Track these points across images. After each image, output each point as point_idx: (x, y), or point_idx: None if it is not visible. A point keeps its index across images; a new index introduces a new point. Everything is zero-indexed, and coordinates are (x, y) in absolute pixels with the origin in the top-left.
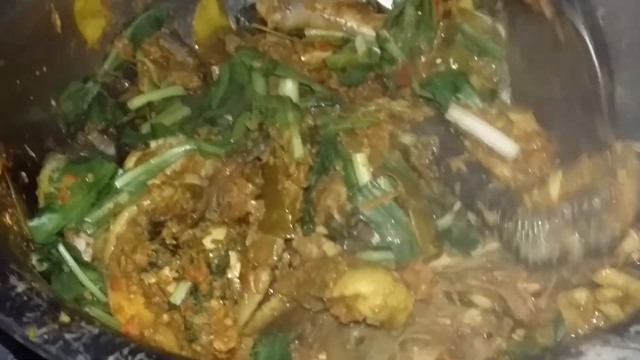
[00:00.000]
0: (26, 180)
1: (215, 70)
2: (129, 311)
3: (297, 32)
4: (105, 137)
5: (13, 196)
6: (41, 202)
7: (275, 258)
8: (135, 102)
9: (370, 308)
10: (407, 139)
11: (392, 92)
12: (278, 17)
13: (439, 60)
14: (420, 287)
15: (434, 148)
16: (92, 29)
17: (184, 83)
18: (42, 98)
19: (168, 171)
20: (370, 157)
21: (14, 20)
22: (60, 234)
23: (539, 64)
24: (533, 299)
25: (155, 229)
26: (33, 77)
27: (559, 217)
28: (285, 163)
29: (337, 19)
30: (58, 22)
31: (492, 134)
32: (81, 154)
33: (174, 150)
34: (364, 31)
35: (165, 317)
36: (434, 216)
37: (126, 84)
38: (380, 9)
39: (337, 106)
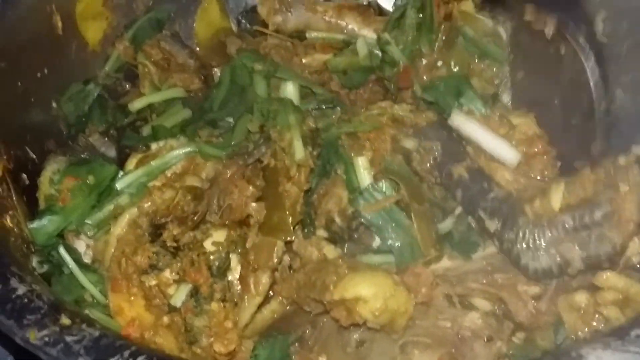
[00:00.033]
0: (27, 182)
1: (217, 72)
2: (130, 313)
3: (298, 35)
4: (106, 139)
5: (14, 198)
6: (42, 204)
7: (276, 260)
8: (136, 104)
9: (370, 311)
10: (409, 143)
11: (394, 95)
12: (279, 19)
13: (440, 63)
14: (421, 290)
15: (436, 153)
16: (93, 31)
17: (184, 85)
18: (43, 100)
19: (169, 173)
20: (371, 161)
21: (16, 22)
22: (61, 236)
23: (541, 72)
24: (533, 302)
25: (156, 231)
26: (34, 78)
27: (560, 228)
28: (286, 165)
29: (338, 21)
30: (59, 24)
31: (494, 141)
32: (82, 155)
33: (175, 153)
34: (365, 34)
35: (166, 319)
36: (435, 220)
37: (127, 86)
38: (381, 11)
39: (338, 109)
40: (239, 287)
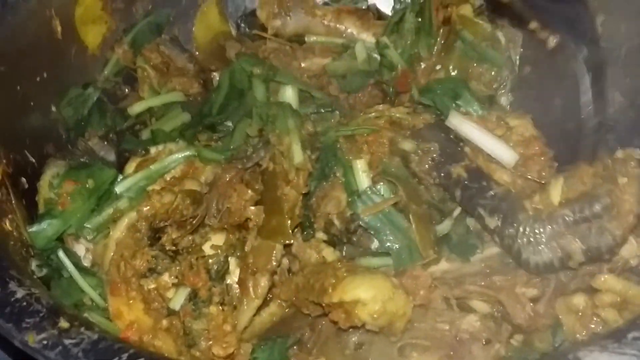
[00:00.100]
0: (26, 186)
1: (215, 76)
2: (128, 317)
3: (297, 39)
4: (106, 143)
5: (13, 202)
6: (41, 208)
7: (274, 264)
8: (136, 108)
9: (369, 314)
10: (407, 145)
11: (392, 98)
12: (278, 23)
13: (438, 67)
14: (419, 293)
15: (434, 154)
16: (92, 35)
17: (184, 89)
18: (42, 104)
19: (168, 177)
20: (369, 163)
21: (15, 26)
22: (60, 240)
23: (542, 77)
24: (531, 304)
25: (155, 234)
26: (33, 83)
27: (560, 222)
28: (285, 169)
29: (337, 25)
30: (59, 29)
31: (491, 142)
32: (81, 160)
33: (174, 156)
34: (364, 38)
35: (165, 322)
36: (433, 222)
37: (126, 90)
38: (380, 15)
39: (337, 113)
40: (238, 290)
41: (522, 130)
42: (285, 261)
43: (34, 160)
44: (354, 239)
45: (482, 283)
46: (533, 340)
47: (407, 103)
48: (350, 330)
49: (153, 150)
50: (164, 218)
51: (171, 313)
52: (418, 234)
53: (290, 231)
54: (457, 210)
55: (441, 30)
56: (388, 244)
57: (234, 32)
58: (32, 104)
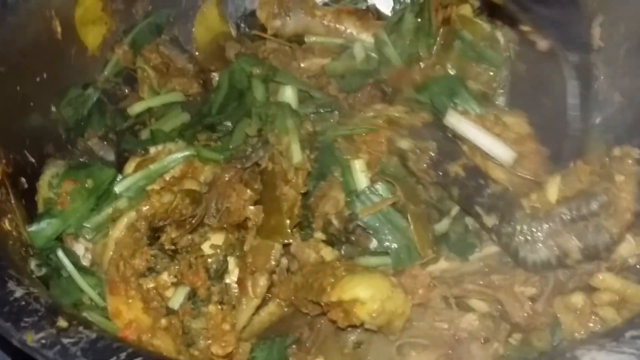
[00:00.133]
0: (26, 185)
1: (215, 76)
2: (127, 316)
3: (297, 39)
4: (105, 143)
5: (12, 202)
6: (40, 208)
7: (273, 263)
8: (135, 108)
9: (367, 313)
10: (405, 144)
11: (390, 97)
12: (278, 23)
13: (437, 67)
14: (418, 292)
15: (432, 153)
16: (92, 36)
17: (183, 89)
18: (42, 104)
19: (167, 177)
20: (368, 163)
21: (15, 27)
22: (60, 239)
23: (534, 77)
24: (530, 303)
25: (154, 234)
26: (33, 83)
27: (557, 220)
28: (284, 169)
29: (337, 25)
30: (59, 29)
31: (489, 140)
32: (81, 159)
33: (173, 156)
34: (364, 38)
35: (163, 321)
36: (432, 221)
37: (126, 91)
38: (379, 16)
39: (336, 113)
40: (237, 289)
41: (518, 128)
42: (284, 261)
43: (33, 160)
44: (353, 238)
45: (481, 282)
46: (531, 339)
47: (404, 102)
48: (349, 329)
49: (152, 150)
50: (163, 217)
51: (170, 312)
52: (416, 234)
53: (289, 231)
54: (455, 209)
55: (441, 30)
56: (387, 243)
57: (233, 32)
58: (32, 104)
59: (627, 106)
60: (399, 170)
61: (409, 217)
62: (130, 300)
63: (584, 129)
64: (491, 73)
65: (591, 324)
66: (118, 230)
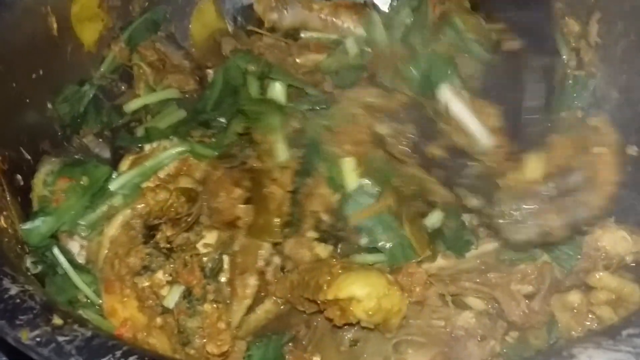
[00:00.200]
0: (21, 183)
1: (210, 73)
2: (123, 314)
3: (293, 34)
4: (101, 140)
5: (8, 199)
6: (35, 206)
7: (262, 263)
8: (131, 106)
9: (364, 311)
10: (382, 129)
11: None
12: (275, 16)
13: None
14: (415, 290)
15: (411, 135)
16: (89, 32)
17: (179, 86)
18: (38, 101)
19: (162, 174)
20: (357, 161)
21: (11, 23)
22: (55, 237)
23: (506, 76)
24: (526, 301)
25: (149, 232)
26: (29, 80)
27: (537, 198)
28: (270, 167)
29: (334, 19)
30: (55, 26)
31: (475, 122)
32: (76, 157)
33: (168, 153)
34: (361, 32)
35: (159, 320)
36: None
37: (123, 87)
38: (377, 11)
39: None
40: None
41: (491, 120)
42: (276, 259)
43: (29, 158)
44: (344, 234)
45: (478, 280)
46: (528, 337)
47: (378, 84)
48: (346, 327)
49: (147, 147)
50: (158, 215)
51: (165, 311)
52: (413, 236)
53: (277, 230)
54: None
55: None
56: (381, 243)
57: (230, 28)
58: (27, 101)
59: (625, 103)
60: (385, 167)
61: (403, 221)
62: (125, 299)
63: (544, 131)
64: (474, 68)
65: (588, 323)
66: (113, 228)
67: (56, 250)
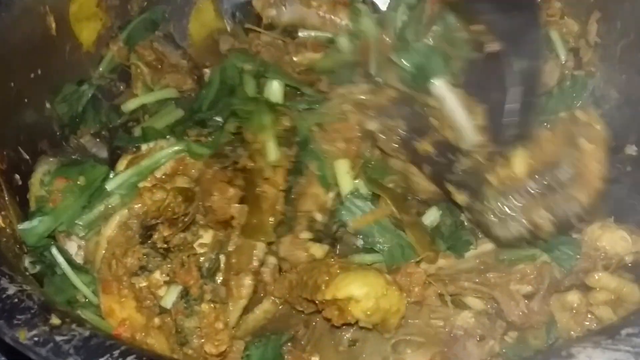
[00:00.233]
0: (20, 182)
1: (207, 72)
2: (120, 315)
3: (291, 31)
4: (98, 140)
5: (6, 198)
6: (32, 206)
7: (256, 263)
8: (129, 105)
9: (362, 311)
10: (372, 125)
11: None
12: (273, 12)
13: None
14: (414, 290)
15: (401, 131)
16: (87, 32)
17: (177, 85)
18: (36, 101)
19: (159, 174)
20: (351, 163)
21: (9, 22)
22: (52, 237)
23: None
24: (526, 301)
25: (146, 232)
26: (28, 79)
27: (525, 194)
28: (262, 167)
29: (332, 16)
30: (53, 25)
31: (465, 119)
32: (73, 157)
33: (164, 152)
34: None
35: (157, 320)
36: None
37: (121, 87)
38: (375, 9)
39: None
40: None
41: (479, 118)
42: (272, 259)
43: (27, 157)
44: (339, 235)
45: (477, 280)
46: (527, 337)
47: (365, 78)
48: (344, 327)
49: (144, 147)
50: (155, 215)
51: (163, 311)
52: (414, 239)
53: (271, 229)
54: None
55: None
56: (378, 245)
57: (229, 27)
58: (26, 100)
59: (624, 103)
60: (378, 165)
61: (404, 227)
62: (123, 299)
63: (524, 132)
64: (459, 66)
65: (587, 323)
66: (110, 228)
67: (55, 250)
